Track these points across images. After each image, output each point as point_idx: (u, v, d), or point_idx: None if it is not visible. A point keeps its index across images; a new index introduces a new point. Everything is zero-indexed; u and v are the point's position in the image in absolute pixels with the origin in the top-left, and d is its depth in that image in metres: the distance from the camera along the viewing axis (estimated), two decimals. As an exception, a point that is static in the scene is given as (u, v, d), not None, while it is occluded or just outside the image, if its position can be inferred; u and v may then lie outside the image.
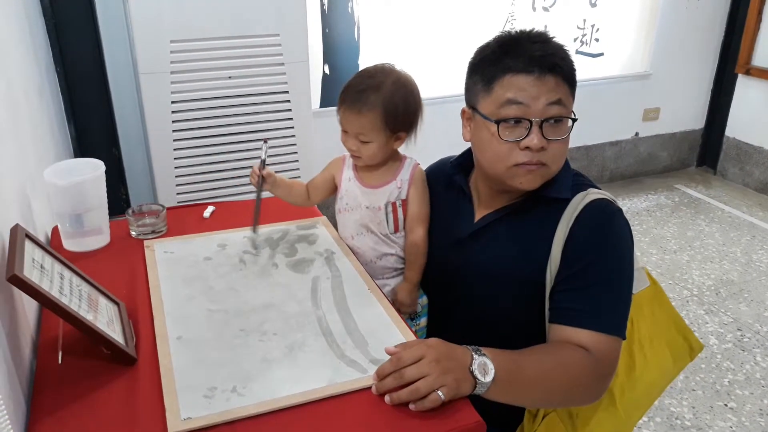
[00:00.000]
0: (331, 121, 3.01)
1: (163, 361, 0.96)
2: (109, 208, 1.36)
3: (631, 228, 1.12)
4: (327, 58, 2.88)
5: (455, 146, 1.28)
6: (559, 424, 1.12)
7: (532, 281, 1.10)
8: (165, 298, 1.14)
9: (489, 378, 0.90)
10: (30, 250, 0.95)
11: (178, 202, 2.34)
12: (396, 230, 1.32)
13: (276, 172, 1.34)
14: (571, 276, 1.06)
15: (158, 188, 2.34)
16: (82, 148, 2.53)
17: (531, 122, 1.04)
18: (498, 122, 1.06)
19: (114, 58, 2.49)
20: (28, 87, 1.62)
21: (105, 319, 0.99)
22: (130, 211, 1.39)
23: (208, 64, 2.22)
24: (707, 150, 4.07)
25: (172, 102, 2.22)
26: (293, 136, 2.45)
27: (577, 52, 3.39)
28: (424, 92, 1.30)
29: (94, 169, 1.30)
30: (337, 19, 2.83)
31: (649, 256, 2.98)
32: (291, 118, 2.42)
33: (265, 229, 1.41)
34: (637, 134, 3.85)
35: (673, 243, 3.14)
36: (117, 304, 1.09)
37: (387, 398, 0.88)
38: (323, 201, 1.42)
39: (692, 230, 3.29)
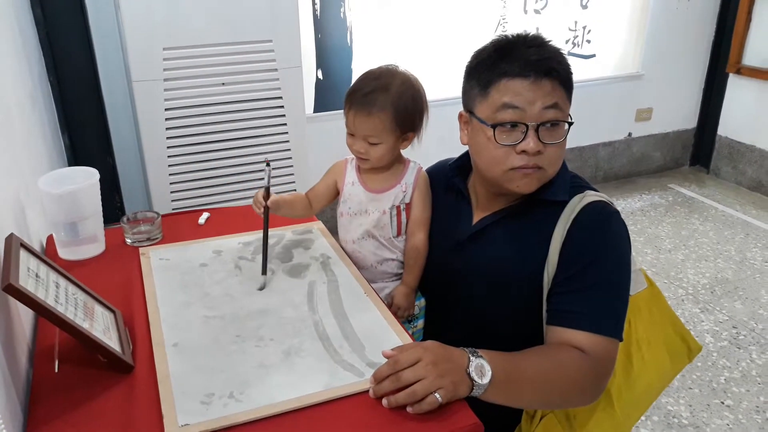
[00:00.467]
0: (325, 126, 3.04)
1: (160, 368, 0.96)
2: (103, 216, 1.36)
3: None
4: (320, 63, 2.88)
5: (449, 149, 1.29)
6: (557, 425, 1.12)
7: (529, 283, 1.10)
8: (161, 305, 1.14)
9: (486, 380, 0.91)
10: (25, 259, 0.95)
11: (173, 209, 2.34)
12: (398, 234, 1.32)
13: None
14: (569, 278, 1.07)
15: (153, 195, 2.34)
16: (76, 157, 2.53)
17: (527, 126, 1.05)
18: (494, 126, 1.07)
19: (107, 66, 2.49)
20: (21, 96, 1.62)
21: (101, 327, 0.99)
22: (125, 218, 1.39)
23: (201, 71, 2.22)
24: (700, 149, 4.09)
25: (166, 109, 2.22)
26: (287, 141, 2.45)
27: (569, 54, 3.41)
28: (417, 96, 1.31)
29: (88, 177, 1.30)
30: (330, 24, 2.84)
31: (644, 255, 2.99)
32: (285, 124, 2.42)
33: (259, 235, 1.41)
34: (630, 135, 3.87)
35: (668, 242, 3.16)
36: (113, 311, 1.09)
37: (384, 401, 0.88)
38: (325, 208, 1.42)
39: (686, 229, 3.30)
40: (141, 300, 1.16)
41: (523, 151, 1.06)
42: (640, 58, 3.66)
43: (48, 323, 0.91)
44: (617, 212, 1.11)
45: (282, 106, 2.39)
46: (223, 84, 2.27)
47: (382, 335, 1.06)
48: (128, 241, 1.38)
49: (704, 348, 2.33)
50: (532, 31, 1.11)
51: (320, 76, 2.91)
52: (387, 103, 1.22)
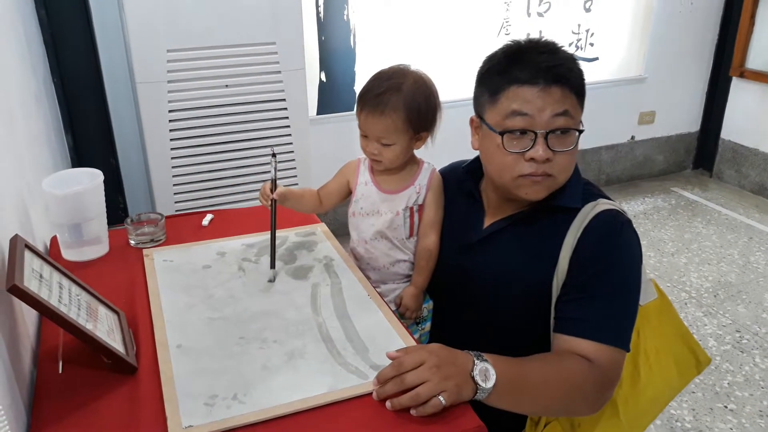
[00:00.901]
0: (328, 128, 3.04)
1: (164, 369, 0.96)
2: (107, 218, 1.36)
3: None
4: (323, 65, 2.89)
5: (450, 152, 1.29)
6: None
7: (538, 290, 1.10)
8: (165, 307, 1.14)
9: (490, 384, 0.90)
10: (29, 260, 0.95)
11: (176, 211, 2.34)
12: (411, 235, 1.32)
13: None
14: (578, 286, 1.06)
15: (156, 197, 2.34)
16: (79, 158, 2.53)
17: (536, 134, 1.04)
18: (503, 133, 1.06)
19: (111, 67, 2.50)
20: (25, 97, 1.62)
21: (105, 328, 0.99)
22: (128, 220, 1.39)
23: (205, 72, 2.23)
24: (703, 153, 4.08)
25: (170, 111, 2.22)
26: (290, 143, 2.45)
27: (572, 57, 3.41)
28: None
29: (92, 178, 1.30)
30: (333, 26, 2.84)
31: (647, 259, 2.98)
32: (288, 126, 2.42)
33: (262, 237, 1.41)
34: (633, 138, 3.87)
35: (671, 245, 3.15)
36: (117, 313, 1.09)
37: (388, 404, 0.88)
38: (336, 207, 1.41)
39: (689, 233, 3.30)
40: (145, 301, 1.16)
41: (532, 159, 1.05)
42: (644, 62, 3.65)
43: (52, 324, 0.91)
44: (629, 221, 1.10)
45: (285, 108, 2.40)
46: (227, 86, 2.27)
47: (385, 337, 1.06)
48: (132, 242, 1.38)
49: (707, 352, 2.32)
50: (544, 37, 1.10)
51: (323, 78, 2.91)
52: (399, 104, 1.21)
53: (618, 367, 1.03)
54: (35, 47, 2.13)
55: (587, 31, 3.42)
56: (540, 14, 3.26)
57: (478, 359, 0.92)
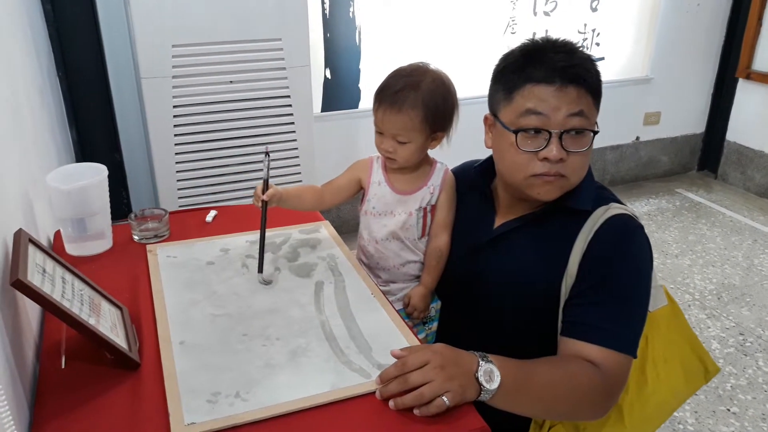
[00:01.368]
0: (333, 125, 3.03)
1: (167, 365, 0.96)
2: (111, 213, 1.36)
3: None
4: (328, 62, 2.88)
5: (457, 151, 1.28)
6: None
7: (546, 292, 1.09)
8: (168, 303, 1.13)
9: (494, 385, 0.90)
10: (33, 255, 0.95)
11: (180, 207, 2.34)
12: (423, 236, 1.31)
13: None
14: (587, 290, 1.05)
15: (160, 193, 2.34)
16: (84, 153, 2.53)
17: (551, 133, 1.03)
18: (517, 132, 1.06)
19: (116, 62, 2.49)
20: (30, 92, 1.62)
21: (108, 323, 0.99)
22: (132, 215, 1.39)
23: (210, 68, 2.22)
24: (708, 154, 4.07)
25: (174, 106, 2.22)
26: (294, 140, 2.45)
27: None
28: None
29: (96, 173, 1.30)
30: (339, 23, 2.83)
31: (651, 260, 2.97)
32: (292, 123, 2.42)
33: (267, 233, 1.40)
34: (637, 138, 3.86)
35: (675, 247, 3.14)
36: (120, 308, 1.09)
37: (391, 403, 0.88)
38: (341, 204, 1.40)
39: (693, 234, 3.29)
40: (148, 297, 1.16)
41: (546, 158, 1.04)
42: (649, 62, 3.64)
43: (55, 319, 0.91)
44: (641, 227, 1.09)
45: (290, 105, 2.39)
46: (232, 82, 2.27)
47: (389, 336, 1.05)
48: (135, 238, 1.38)
49: (710, 354, 2.31)
50: (562, 38, 1.09)
51: (328, 75, 2.91)
52: (417, 102, 1.20)
53: (624, 373, 1.03)
54: (40, 41, 2.13)
55: (593, 30, 3.41)
56: (546, 13, 3.25)
57: (483, 360, 0.91)
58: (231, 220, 1.49)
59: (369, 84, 2.98)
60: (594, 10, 3.36)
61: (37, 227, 1.27)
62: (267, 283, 1.20)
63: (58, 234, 1.38)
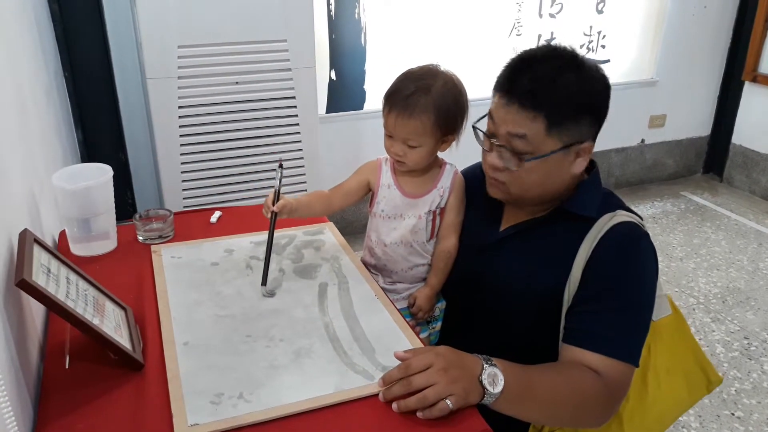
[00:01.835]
0: (338, 126, 3.03)
1: (170, 366, 0.96)
2: (115, 213, 1.36)
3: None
4: (333, 63, 2.88)
5: (457, 151, 1.28)
6: None
7: (549, 298, 1.09)
8: (172, 303, 1.14)
9: (498, 389, 0.90)
10: (38, 255, 0.95)
11: (185, 207, 2.34)
12: (431, 238, 1.30)
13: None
14: (589, 298, 1.05)
15: (165, 193, 2.35)
16: (89, 153, 2.54)
17: (492, 142, 1.08)
18: (474, 126, 1.12)
19: (121, 63, 2.50)
20: (36, 91, 1.63)
21: (112, 323, 0.99)
22: (137, 216, 1.39)
23: (215, 69, 2.23)
24: (714, 157, 4.06)
25: (179, 107, 2.22)
26: (299, 141, 2.45)
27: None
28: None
29: (101, 173, 1.30)
30: (344, 25, 2.84)
31: (656, 263, 2.96)
32: (297, 124, 2.42)
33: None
34: (643, 141, 3.85)
35: (679, 250, 3.13)
36: (124, 308, 1.09)
37: (395, 406, 0.88)
38: (350, 206, 1.38)
39: (698, 238, 3.27)
40: (152, 298, 1.16)
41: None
42: (655, 65, 3.63)
43: (59, 319, 0.91)
44: (647, 235, 1.08)
45: (295, 106, 2.39)
46: (237, 83, 2.27)
47: (392, 338, 1.05)
48: (140, 238, 1.38)
49: (715, 358, 2.31)
50: (563, 44, 1.09)
51: (333, 76, 2.91)
52: (429, 106, 1.19)
53: (626, 382, 1.02)
54: (47, 42, 2.13)
55: (599, 32, 3.40)
56: (552, 15, 3.24)
57: (487, 363, 0.91)
58: (235, 221, 1.49)
59: (374, 85, 2.98)
60: (600, 12, 3.35)
61: (42, 227, 1.28)
62: (270, 295, 1.17)
63: (63, 234, 1.39)
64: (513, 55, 1.09)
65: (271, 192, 1.24)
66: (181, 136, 2.26)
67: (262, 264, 1.28)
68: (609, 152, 3.74)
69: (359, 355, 1.01)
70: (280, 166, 1.25)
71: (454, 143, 1.27)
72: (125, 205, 2.66)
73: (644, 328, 1.06)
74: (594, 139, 1.09)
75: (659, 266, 1.11)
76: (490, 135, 1.09)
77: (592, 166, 1.17)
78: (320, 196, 1.34)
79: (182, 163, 2.30)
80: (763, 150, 3.69)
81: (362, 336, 1.06)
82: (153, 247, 1.35)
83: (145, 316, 1.11)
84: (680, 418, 2.01)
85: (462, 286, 1.27)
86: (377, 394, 0.91)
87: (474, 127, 1.13)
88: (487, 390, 0.89)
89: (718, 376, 1.23)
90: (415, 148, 1.22)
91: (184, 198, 2.36)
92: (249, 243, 1.38)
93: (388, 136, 1.25)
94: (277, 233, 1.40)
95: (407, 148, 1.22)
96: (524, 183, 1.08)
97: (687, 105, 3.87)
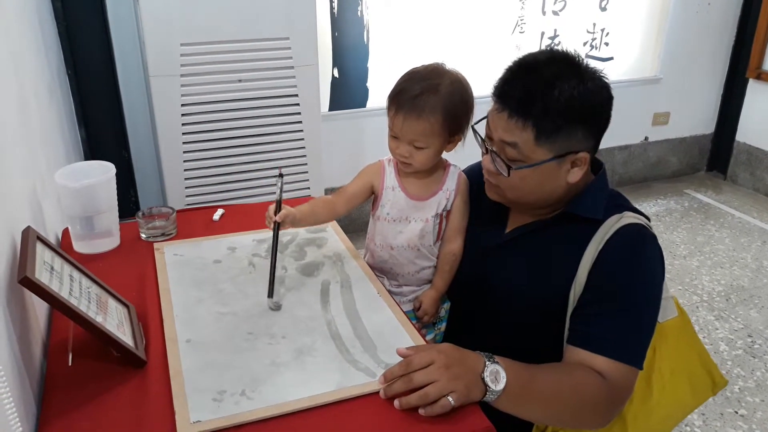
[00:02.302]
0: (340, 124, 3.03)
1: (173, 363, 0.96)
2: (118, 211, 1.36)
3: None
4: (336, 61, 2.88)
5: (467, 151, 1.27)
6: None
7: (554, 300, 1.08)
8: (174, 301, 1.14)
9: (500, 386, 0.90)
10: (41, 252, 0.95)
11: (187, 205, 2.35)
12: (437, 240, 1.29)
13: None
14: (595, 300, 1.04)
15: (168, 191, 2.35)
16: (92, 151, 2.54)
17: (486, 147, 1.09)
18: (473, 128, 1.13)
19: (124, 60, 2.50)
20: (39, 89, 1.63)
21: (115, 321, 0.99)
22: (140, 213, 1.39)
23: (218, 67, 2.23)
24: (717, 155, 4.05)
25: (182, 105, 2.22)
26: (302, 139, 2.45)
27: (587, 56, 3.39)
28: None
29: (104, 171, 1.30)
30: (347, 22, 2.83)
31: (659, 261, 2.95)
32: (300, 122, 2.42)
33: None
34: (646, 139, 3.84)
35: (683, 248, 3.13)
36: (127, 306, 1.09)
37: (396, 403, 0.88)
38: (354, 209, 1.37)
39: (702, 235, 3.27)
40: (155, 295, 1.16)
41: None
42: (659, 62, 3.62)
43: (62, 316, 0.91)
44: (654, 237, 1.08)
45: (298, 104, 2.39)
46: (240, 81, 2.27)
47: (394, 336, 1.05)
48: (143, 236, 1.38)
49: (718, 356, 2.31)
50: (566, 48, 1.08)
51: (336, 74, 2.91)
52: (438, 106, 1.16)
53: (630, 384, 1.02)
54: (49, 39, 2.14)
55: (602, 30, 3.40)
56: (555, 12, 3.24)
57: (489, 361, 0.91)
58: (238, 219, 1.49)
59: (377, 83, 2.98)
60: (603, 9, 3.34)
61: (45, 225, 1.28)
62: (276, 308, 1.12)
63: (66, 232, 1.39)
64: (514, 59, 1.08)
65: (272, 203, 1.21)
66: (183, 133, 2.27)
67: (264, 261, 1.28)
68: (612, 150, 3.73)
69: (361, 353, 1.01)
70: (280, 175, 1.22)
71: (459, 143, 1.25)
72: (128, 203, 2.66)
73: (649, 331, 1.05)
74: (594, 149, 1.08)
75: (665, 264, 1.11)
76: (486, 138, 1.10)
77: (599, 167, 1.16)
78: (323, 203, 1.30)
79: (185, 161, 2.31)
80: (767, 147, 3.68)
81: (364, 334, 1.06)
82: (156, 245, 1.35)
83: (147, 314, 1.11)
84: (683, 416, 2.01)
85: (467, 287, 1.27)
86: (379, 392, 0.91)
87: (473, 128, 1.13)
88: (489, 387, 0.89)
89: (723, 378, 1.22)
90: (422, 149, 1.20)
91: (187, 196, 2.36)
92: (251, 241, 1.38)
93: (394, 137, 1.22)
94: (279, 231, 1.40)
95: (414, 149, 1.20)
96: (517, 189, 1.09)
97: (691, 102, 3.86)
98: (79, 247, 1.32)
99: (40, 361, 1.00)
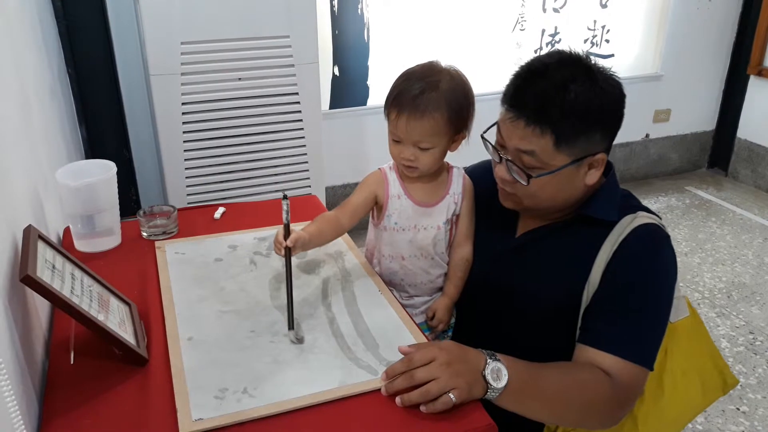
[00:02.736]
0: (341, 122, 3.03)
1: (174, 361, 0.96)
2: (119, 209, 1.36)
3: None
4: (337, 59, 2.88)
5: (469, 150, 1.27)
6: None
7: (566, 302, 1.08)
8: (176, 299, 1.14)
9: (501, 384, 0.89)
10: (42, 251, 0.95)
11: (189, 204, 2.35)
12: (449, 246, 1.27)
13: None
14: (607, 299, 1.04)
15: (168, 189, 2.35)
16: (93, 150, 2.55)
17: (500, 156, 1.07)
18: (482, 137, 1.10)
19: (125, 59, 2.51)
20: (40, 88, 1.63)
21: (116, 319, 0.99)
22: (141, 212, 1.39)
23: (219, 65, 2.23)
24: (718, 151, 4.04)
25: (183, 103, 2.23)
26: (303, 137, 2.45)
27: (588, 54, 3.38)
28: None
29: (105, 170, 1.30)
30: (347, 20, 2.83)
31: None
32: (301, 120, 2.42)
33: (274, 230, 1.40)
34: (647, 136, 3.83)
35: (684, 245, 3.12)
36: (128, 304, 1.09)
37: (398, 400, 0.88)
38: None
39: (703, 232, 3.26)
40: (156, 293, 1.17)
41: None
42: (660, 59, 3.62)
43: (64, 315, 0.91)
44: (668, 237, 1.07)
45: (298, 102, 2.39)
46: (240, 79, 2.27)
47: (396, 333, 1.05)
48: (144, 234, 1.38)
49: (720, 353, 2.30)
50: (576, 51, 1.06)
51: (336, 72, 2.91)
52: (441, 102, 1.12)
53: (639, 385, 1.01)
54: (50, 38, 2.14)
55: (603, 27, 3.39)
56: (556, 10, 3.23)
57: (490, 358, 0.91)
58: (239, 217, 1.49)
59: (377, 81, 2.98)
60: (604, 6, 3.34)
61: (46, 223, 1.28)
62: (299, 341, 1.02)
63: (67, 230, 1.39)
64: (521, 64, 1.07)
65: (280, 228, 1.14)
66: (184, 132, 2.27)
67: (265, 260, 1.28)
68: (613, 147, 3.69)
69: (363, 350, 1.01)
70: (285, 197, 1.13)
71: (464, 141, 1.21)
72: (129, 202, 2.66)
73: (661, 332, 1.04)
74: (608, 149, 1.08)
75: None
76: (498, 147, 1.07)
77: (608, 168, 1.15)
78: (328, 220, 1.24)
79: (186, 160, 2.31)
80: (769, 144, 3.68)
81: (366, 331, 1.06)
82: (157, 243, 1.35)
83: (149, 312, 1.11)
84: (685, 413, 2.01)
85: (477, 291, 1.25)
86: (381, 389, 0.91)
87: (483, 138, 1.11)
88: (491, 384, 0.89)
89: (734, 378, 1.21)
90: (427, 150, 1.16)
91: (188, 194, 2.36)
92: (252, 239, 1.38)
93: (396, 141, 1.18)
94: (279, 229, 1.40)
95: (419, 151, 1.16)
96: (535, 196, 1.07)
97: (692, 99, 3.86)
98: (81, 245, 1.32)
99: (42, 360, 1.00)
